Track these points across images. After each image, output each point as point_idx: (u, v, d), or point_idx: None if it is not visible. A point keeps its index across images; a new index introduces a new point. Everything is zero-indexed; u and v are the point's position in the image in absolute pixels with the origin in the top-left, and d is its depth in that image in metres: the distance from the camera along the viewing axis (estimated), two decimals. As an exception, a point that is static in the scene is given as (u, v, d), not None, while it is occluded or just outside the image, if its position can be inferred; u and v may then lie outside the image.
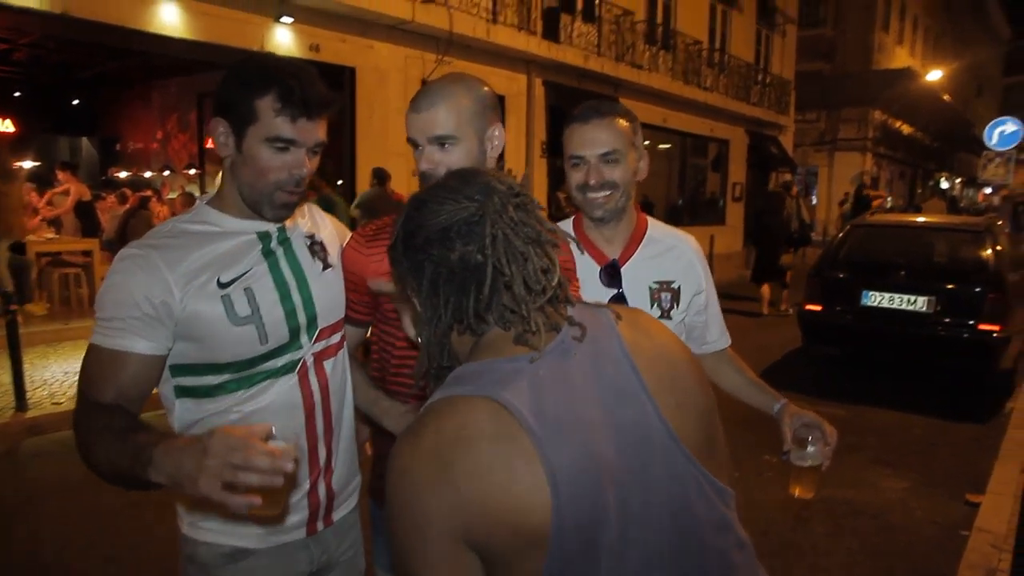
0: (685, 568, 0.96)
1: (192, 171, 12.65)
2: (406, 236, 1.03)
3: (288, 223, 1.63)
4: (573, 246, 1.73)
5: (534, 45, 12.51)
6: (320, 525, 1.66)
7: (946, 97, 29.60)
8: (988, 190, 32.91)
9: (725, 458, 1.10)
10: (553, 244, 1.02)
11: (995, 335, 5.86)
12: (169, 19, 8.37)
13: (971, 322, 5.94)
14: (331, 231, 1.78)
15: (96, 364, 1.42)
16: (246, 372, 1.51)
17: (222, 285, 1.47)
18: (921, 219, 8.28)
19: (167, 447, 1.19)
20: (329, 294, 1.66)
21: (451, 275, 0.99)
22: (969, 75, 42.14)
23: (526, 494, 0.86)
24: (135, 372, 1.42)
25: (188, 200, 11.34)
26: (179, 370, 1.51)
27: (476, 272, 0.98)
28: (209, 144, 12.21)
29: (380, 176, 9.13)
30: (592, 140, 1.81)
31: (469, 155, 1.65)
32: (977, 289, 5.99)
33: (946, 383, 6.67)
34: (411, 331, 1.19)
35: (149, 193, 10.96)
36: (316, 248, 1.67)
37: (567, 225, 1.99)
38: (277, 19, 9.18)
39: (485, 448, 0.88)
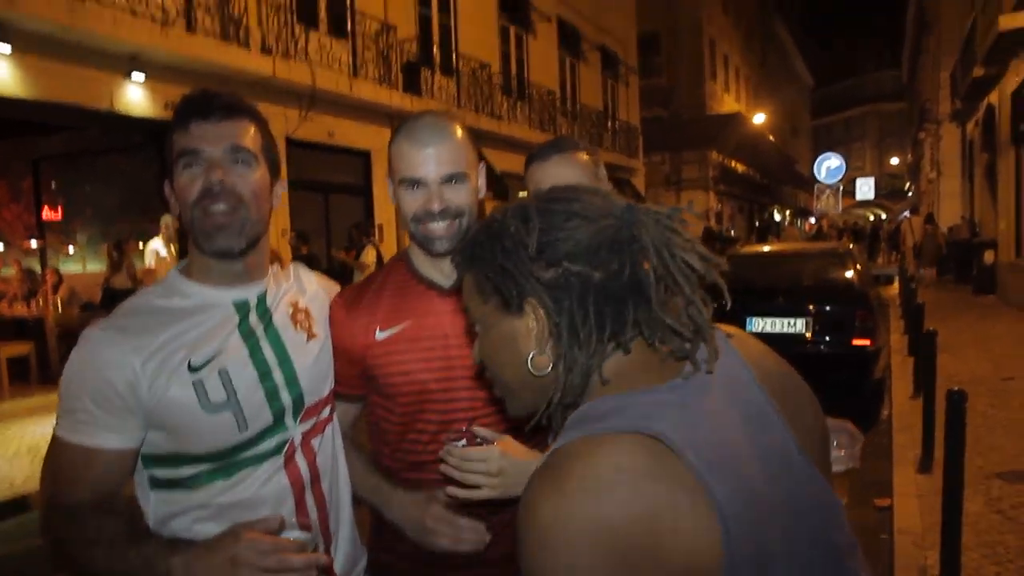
0: None
1: (32, 243, 11.49)
2: (540, 247, 0.90)
3: (270, 289, 1.45)
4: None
5: (396, 99, 12.51)
6: None
7: (771, 137, 32.50)
8: (812, 220, 36.38)
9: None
10: (707, 258, 0.93)
11: (867, 349, 6.33)
12: None
13: (845, 339, 6.39)
14: (318, 292, 1.60)
15: (64, 462, 1.25)
16: (225, 461, 1.33)
17: (193, 369, 1.29)
18: (790, 247, 8.91)
19: (186, 561, 1.11)
20: (315, 368, 1.48)
21: (598, 299, 0.89)
22: (784, 118, 46.68)
23: (695, 537, 0.78)
24: (108, 468, 1.26)
25: (28, 275, 10.24)
26: (151, 461, 1.32)
27: (623, 302, 0.89)
28: (46, 214, 11.25)
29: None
30: (554, 176, 1.65)
31: (474, 193, 1.54)
32: (847, 308, 6.47)
33: (829, 397, 7.06)
34: (479, 355, 1.05)
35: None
36: (300, 317, 1.49)
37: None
38: (127, 76, 8.59)
39: (647, 489, 0.78)
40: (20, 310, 9.38)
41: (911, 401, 6.62)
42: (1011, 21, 10.86)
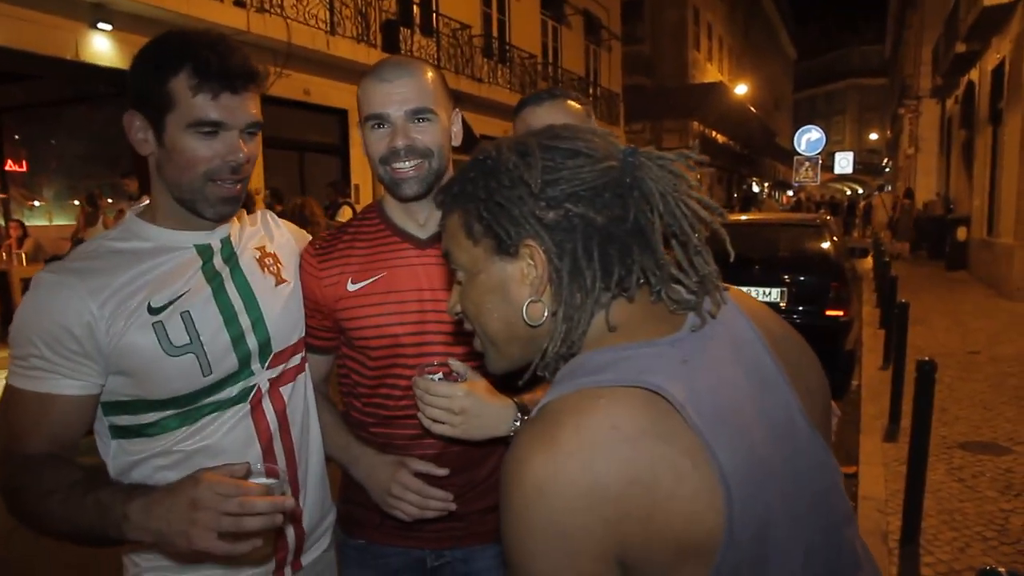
0: (832, 565, 0.88)
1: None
2: (544, 185, 0.83)
3: (234, 233, 1.40)
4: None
5: (375, 57, 12.22)
6: (288, 572, 1.43)
7: (752, 109, 32.43)
8: (790, 192, 36.56)
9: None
10: (710, 206, 0.89)
11: (840, 319, 6.36)
12: (-41, 22, 7.32)
13: (819, 309, 6.41)
14: (288, 240, 1.54)
15: (19, 411, 1.20)
16: (189, 407, 1.28)
17: (153, 311, 1.24)
18: (768, 217, 8.91)
19: (145, 504, 1.05)
20: (284, 313, 1.43)
21: (603, 241, 0.83)
22: (767, 91, 46.59)
23: (694, 500, 0.74)
24: (65, 416, 1.21)
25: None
26: (112, 408, 1.28)
27: (637, 233, 0.84)
28: (9, 166, 10.91)
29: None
30: (549, 120, 1.61)
31: (443, 135, 1.46)
32: (822, 279, 6.48)
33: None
34: (457, 306, 0.97)
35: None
36: (267, 261, 1.44)
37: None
38: (93, 25, 8.29)
39: (646, 449, 0.74)
40: (-17, 262, 9.16)
41: (880, 372, 6.71)
42: (995, -3, 10.84)
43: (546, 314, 0.87)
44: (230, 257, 1.38)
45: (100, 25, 8.32)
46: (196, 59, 1.23)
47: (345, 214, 8.73)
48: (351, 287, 1.48)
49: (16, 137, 10.93)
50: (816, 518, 0.86)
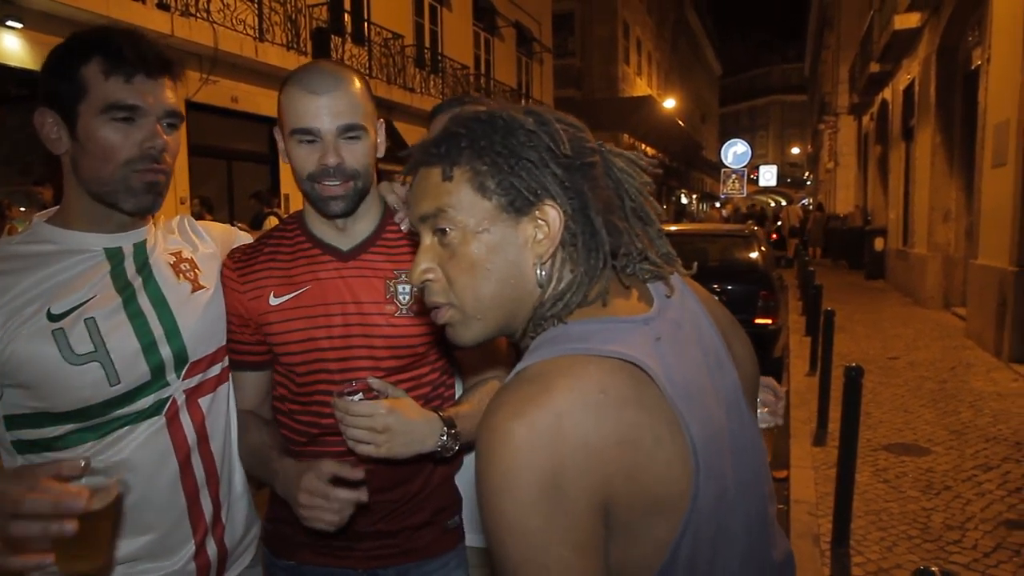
0: (765, 532, 0.96)
1: None
2: (568, 141, 0.87)
3: (149, 238, 1.33)
4: None
5: (306, 65, 12.03)
6: None
7: (680, 123, 33.24)
8: (717, 204, 37.68)
9: None
10: (655, 204, 0.97)
11: (769, 327, 6.54)
12: None
13: (749, 317, 6.57)
14: (208, 244, 1.46)
15: None
16: (97, 419, 1.20)
17: (53, 317, 1.17)
18: (700, 228, 9.13)
19: None
20: (202, 320, 1.36)
21: (605, 208, 0.89)
22: (694, 105, 47.90)
23: (669, 464, 0.80)
24: None
25: None
26: (14, 422, 1.19)
27: (617, 211, 0.91)
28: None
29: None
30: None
31: (371, 152, 1.41)
32: (752, 288, 6.66)
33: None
34: (429, 273, 0.91)
35: None
36: (183, 267, 1.36)
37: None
38: (2, 23, 7.87)
39: (631, 416, 0.78)
40: None
41: (807, 378, 6.92)
42: (905, 21, 11.42)
43: (550, 279, 0.88)
44: (142, 263, 1.31)
45: (9, 23, 7.90)
46: (107, 45, 1.19)
47: (271, 224, 8.50)
48: (273, 301, 1.42)
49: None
50: (756, 488, 0.95)
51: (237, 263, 1.45)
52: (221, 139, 11.45)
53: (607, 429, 0.76)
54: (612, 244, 0.88)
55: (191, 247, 1.43)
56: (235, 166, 12.14)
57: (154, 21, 9.17)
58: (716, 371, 0.93)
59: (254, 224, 8.81)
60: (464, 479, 1.63)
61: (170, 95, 1.25)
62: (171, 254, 1.38)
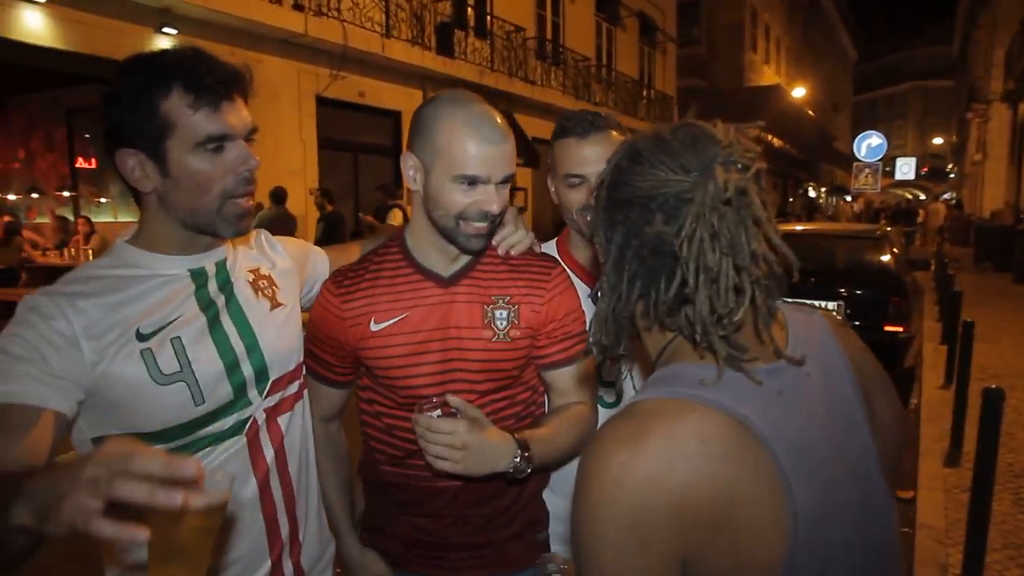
0: None
1: (65, 193, 11.60)
2: (612, 185, 0.88)
3: (229, 255, 1.34)
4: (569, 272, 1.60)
5: (428, 60, 12.33)
6: None
7: (810, 112, 31.66)
8: (848, 198, 35.74)
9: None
10: (765, 258, 0.83)
11: (900, 335, 6.14)
12: (33, 26, 7.61)
13: (878, 324, 6.20)
14: (284, 260, 1.49)
15: None
16: (178, 441, 1.21)
17: (142, 337, 1.18)
18: (826, 227, 8.68)
19: (44, 470, 0.87)
20: (281, 338, 1.38)
21: (642, 250, 0.85)
22: (826, 93, 45.45)
23: (764, 526, 0.76)
24: (17, 428, 1.04)
25: (62, 224, 10.36)
26: (101, 443, 1.21)
27: (667, 264, 0.84)
28: (80, 163, 11.30)
29: (278, 196, 8.66)
30: (594, 157, 1.62)
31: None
32: (882, 293, 6.27)
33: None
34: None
35: (8, 219, 9.93)
36: (262, 284, 1.38)
37: (550, 247, 1.79)
38: (158, 30, 8.54)
39: (729, 472, 0.76)
40: (53, 258, 9.49)
41: (941, 391, 6.46)
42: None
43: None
44: (224, 282, 1.32)
45: (165, 29, 8.56)
46: (186, 75, 1.16)
47: (396, 217, 8.77)
48: (374, 327, 1.45)
49: (87, 136, 11.30)
50: (872, 561, 0.88)
51: (340, 288, 1.48)
52: (348, 133, 11.95)
53: (699, 481, 0.75)
54: (659, 306, 0.87)
55: (269, 263, 1.44)
56: (360, 158, 12.64)
57: (290, 21, 9.69)
58: (845, 431, 0.88)
59: (378, 215, 9.12)
60: (552, 496, 1.65)
61: (246, 111, 1.24)
62: (250, 271, 1.38)
